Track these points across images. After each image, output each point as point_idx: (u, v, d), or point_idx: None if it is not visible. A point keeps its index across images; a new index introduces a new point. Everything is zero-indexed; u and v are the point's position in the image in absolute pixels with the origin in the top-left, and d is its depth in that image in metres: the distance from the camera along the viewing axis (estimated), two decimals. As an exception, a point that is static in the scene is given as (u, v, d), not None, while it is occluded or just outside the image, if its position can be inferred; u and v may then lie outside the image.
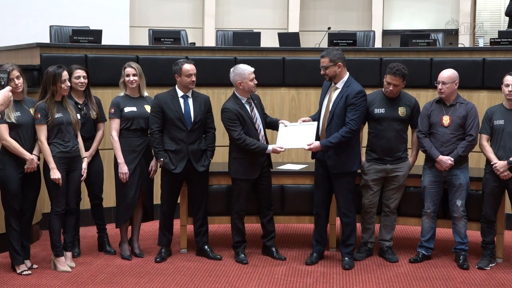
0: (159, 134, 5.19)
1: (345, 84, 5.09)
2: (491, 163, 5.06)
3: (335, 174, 5.10)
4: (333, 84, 5.13)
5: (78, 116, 5.16)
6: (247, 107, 5.22)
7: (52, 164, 4.84)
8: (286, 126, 5.27)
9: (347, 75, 5.12)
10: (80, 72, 5.26)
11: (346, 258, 5.17)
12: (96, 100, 5.40)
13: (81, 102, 5.30)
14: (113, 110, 5.22)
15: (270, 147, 5.15)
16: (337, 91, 5.10)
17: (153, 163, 5.31)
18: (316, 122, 5.15)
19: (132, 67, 5.25)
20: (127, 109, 5.21)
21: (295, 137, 5.15)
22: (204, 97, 5.36)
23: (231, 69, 5.25)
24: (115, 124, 5.21)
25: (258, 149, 5.13)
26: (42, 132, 4.85)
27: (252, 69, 5.20)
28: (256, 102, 5.33)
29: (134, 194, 5.25)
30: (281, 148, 5.14)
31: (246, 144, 5.10)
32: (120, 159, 5.19)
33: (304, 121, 5.31)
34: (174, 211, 5.42)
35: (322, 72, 5.09)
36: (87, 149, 5.24)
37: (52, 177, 4.85)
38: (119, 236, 5.44)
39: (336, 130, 5.02)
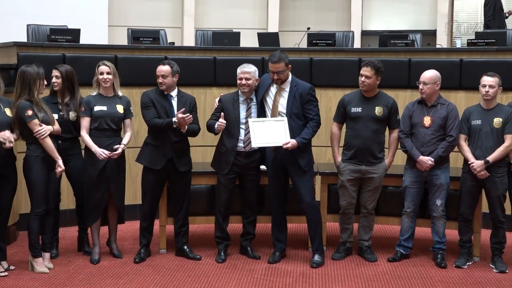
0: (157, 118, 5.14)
1: (292, 83, 5.09)
2: (468, 162, 5.11)
3: (303, 171, 5.10)
4: (277, 85, 5.09)
5: (56, 116, 5.11)
6: (241, 106, 5.18)
7: (56, 156, 4.84)
8: (254, 121, 5.06)
9: (290, 74, 5.14)
10: (54, 72, 5.21)
11: (316, 256, 5.20)
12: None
13: (61, 101, 5.22)
14: (83, 109, 5.14)
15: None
16: (285, 92, 5.09)
17: (118, 146, 5.13)
18: (285, 118, 5.02)
19: (106, 65, 5.18)
20: (97, 108, 5.13)
21: (268, 134, 4.99)
22: (190, 98, 5.33)
23: None
24: (85, 122, 5.13)
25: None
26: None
27: (243, 70, 5.14)
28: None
29: (103, 194, 5.17)
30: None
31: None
32: (94, 148, 5.05)
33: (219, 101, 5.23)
34: (155, 211, 5.39)
35: (275, 77, 5.01)
36: (71, 150, 5.18)
37: (58, 170, 4.83)
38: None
39: (297, 129, 5.02)
